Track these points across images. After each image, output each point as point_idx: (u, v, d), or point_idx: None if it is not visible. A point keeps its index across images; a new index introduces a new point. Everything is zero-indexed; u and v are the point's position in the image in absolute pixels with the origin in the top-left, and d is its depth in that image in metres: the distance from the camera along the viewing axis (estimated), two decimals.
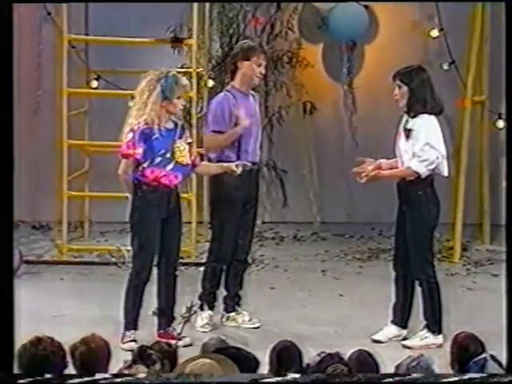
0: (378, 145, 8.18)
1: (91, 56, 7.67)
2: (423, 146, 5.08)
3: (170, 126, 5.08)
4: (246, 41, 5.66)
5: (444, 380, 3.26)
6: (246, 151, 5.41)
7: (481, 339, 3.72)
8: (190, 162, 5.12)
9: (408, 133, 5.09)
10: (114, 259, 6.93)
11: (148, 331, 5.18)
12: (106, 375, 3.20)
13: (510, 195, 3.84)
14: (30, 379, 3.15)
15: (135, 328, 5.11)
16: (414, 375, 3.31)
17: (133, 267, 5.13)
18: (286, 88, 8.05)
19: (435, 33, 7.80)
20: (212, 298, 5.55)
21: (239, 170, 5.17)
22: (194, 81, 7.15)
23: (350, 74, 8.21)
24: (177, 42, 7.46)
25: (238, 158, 5.39)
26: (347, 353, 3.61)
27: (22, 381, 3.15)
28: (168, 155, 5.02)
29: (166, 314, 5.15)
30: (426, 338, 5.17)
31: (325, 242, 7.85)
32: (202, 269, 6.69)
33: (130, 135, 5.00)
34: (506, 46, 3.99)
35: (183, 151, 5.09)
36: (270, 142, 8.27)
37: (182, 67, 7.66)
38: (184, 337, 5.13)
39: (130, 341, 5.07)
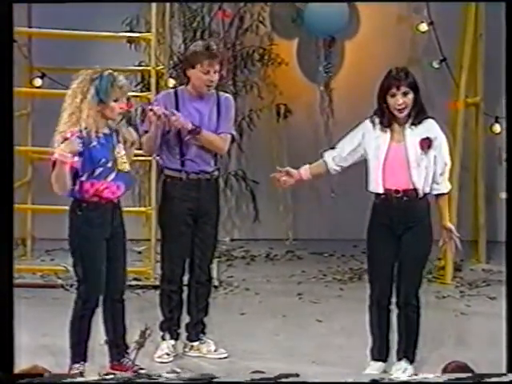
0: None
1: (35, 51, 7.61)
2: (447, 160, 5.05)
3: (107, 131, 5.01)
4: (196, 43, 5.51)
5: (442, 380, 3.25)
6: (190, 159, 5.37)
7: (473, 369, 3.69)
8: (130, 169, 5.06)
9: (429, 143, 4.99)
10: (60, 281, 6.86)
11: (98, 362, 5.11)
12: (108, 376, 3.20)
13: (510, 208, 3.84)
14: (29, 379, 3.26)
15: (84, 360, 5.05)
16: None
17: (78, 296, 5.05)
18: (257, 89, 8.06)
19: (424, 27, 7.84)
20: (173, 325, 5.52)
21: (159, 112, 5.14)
22: (153, 80, 7.11)
23: (327, 73, 8.23)
24: (133, 36, 7.43)
25: (183, 165, 5.38)
26: None
27: (21, 381, 3.25)
28: (109, 164, 4.94)
29: (116, 345, 5.09)
30: (406, 369, 5.16)
31: (301, 261, 7.84)
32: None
33: (64, 143, 4.92)
34: (506, 46, 4.01)
35: (124, 157, 5.03)
36: (240, 149, 8.25)
37: (139, 65, 7.64)
38: (141, 368, 5.07)
39: (79, 374, 5.01)
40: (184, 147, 5.35)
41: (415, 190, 5.01)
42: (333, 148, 5.24)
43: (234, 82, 8.10)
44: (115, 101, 4.92)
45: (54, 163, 4.92)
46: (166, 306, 5.51)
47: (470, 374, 3.36)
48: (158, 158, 5.58)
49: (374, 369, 5.20)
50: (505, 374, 3.40)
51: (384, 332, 5.18)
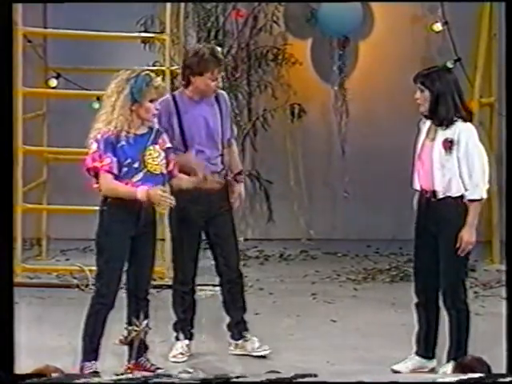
0: (368, 153, 8.20)
1: (50, 52, 7.63)
2: (481, 167, 5.03)
3: (143, 131, 5.02)
4: (198, 48, 5.42)
5: (442, 380, 3.24)
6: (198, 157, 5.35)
7: (488, 363, 3.68)
8: (164, 171, 5.06)
9: (450, 144, 5.01)
10: (75, 281, 6.87)
11: (110, 362, 5.11)
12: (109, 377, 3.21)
13: (510, 211, 3.84)
14: (29, 380, 3.23)
15: (96, 359, 5.06)
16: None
17: (96, 290, 5.07)
18: (271, 88, 8.04)
19: (438, 27, 7.81)
20: (186, 326, 5.52)
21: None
22: (168, 80, 7.12)
23: (341, 73, 8.21)
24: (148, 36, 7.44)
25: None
26: None
27: (21, 381, 3.22)
28: (136, 164, 4.96)
29: (140, 344, 5.09)
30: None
31: (315, 261, 7.82)
32: (201, 294, 6.68)
33: (94, 146, 4.94)
34: (506, 46, 4.00)
35: (156, 158, 5.04)
36: (254, 149, 8.24)
37: (154, 65, 7.64)
38: (158, 368, 5.09)
39: (91, 372, 5.02)
40: (192, 149, 5.33)
41: (435, 190, 5.03)
42: None
43: (249, 81, 8.10)
44: (151, 101, 4.94)
45: (88, 168, 4.93)
46: (180, 307, 5.51)
47: (475, 375, 3.34)
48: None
49: (415, 362, 5.20)
50: (505, 375, 3.38)
51: (432, 330, 5.17)
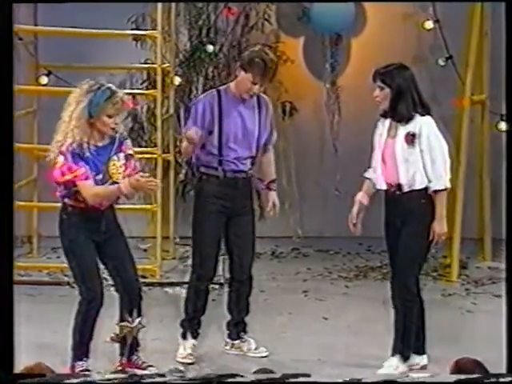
0: (360, 151, 8.18)
1: (41, 49, 7.59)
2: (443, 158, 5.07)
3: (105, 142, 4.95)
4: (260, 49, 5.44)
5: (442, 380, 3.24)
6: (227, 159, 5.37)
7: (486, 366, 3.68)
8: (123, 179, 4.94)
9: (412, 138, 5.06)
10: (66, 278, 6.84)
11: (101, 360, 5.10)
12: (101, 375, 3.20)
13: (510, 207, 3.83)
14: (30, 379, 3.23)
15: (87, 356, 5.04)
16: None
17: (82, 297, 5.05)
18: None
19: (430, 24, 7.81)
20: (195, 325, 5.48)
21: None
22: (159, 78, 7.10)
23: (333, 70, 8.20)
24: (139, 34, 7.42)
25: (220, 164, 5.37)
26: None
27: (22, 381, 3.22)
28: (100, 176, 4.91)
29: (126, 341, 5.07)
30: (398, 367, 5.15)
31: (307, 258, 7.82)
32: (169, 290, 6.65)
33: (61, 159, 4.89)
34: (506, 46, 3.99)
35: (120, 168, 4.97)
36: None
37: (145, 62, 7.63)
38: (150, 366, 5.07)
39: (83, 371, 5.00)
40: (224, 148, 5.34)
41: (400, 184, 5.06)
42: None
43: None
44: (108, 116, 4.88)
45: (58, 182, 4.89)
46: (192, 305, 5.43)
47: (472, 375, 3.34)
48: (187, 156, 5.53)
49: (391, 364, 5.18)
50: (505, 375, 3.38)
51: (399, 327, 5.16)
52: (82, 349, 5.03)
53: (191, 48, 7.90)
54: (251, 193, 5.51)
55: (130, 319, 4.60)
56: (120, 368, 4.74)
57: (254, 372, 3.63)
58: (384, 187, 5.15)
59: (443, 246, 7.44)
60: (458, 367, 3.68)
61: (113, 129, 4.92)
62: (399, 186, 5.09)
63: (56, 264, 7.19)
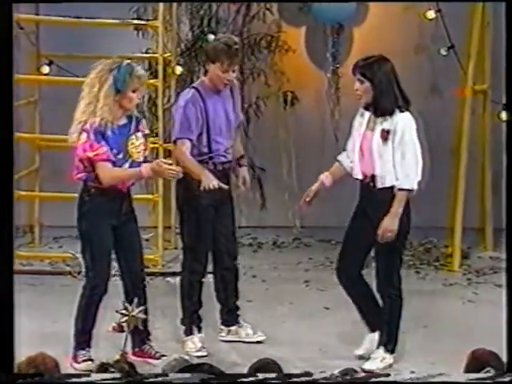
0: None
1: (42, 39, 7.57)
2: (414, 157, 5.02)
3: (124, 121, 4.99)
4: (221, 37, 5.51)
5: (441, 380, 3.25)
6: (217, 153, 5.38)
7: (501, 357, 3.68)
8: (143, 159, 5.03)
9: (386, 134, 5.01)
10: (68, 268, 6.85)
11: (103, 349, 5.10)
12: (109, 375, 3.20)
13: (510, 197, 3.83)
14: (30, 379, 3.23)
15: (89, 346, 5.04)
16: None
17: (87, 281, 5.05)
18: (264, 76, 8.01)
19: (431, 14, 7.78)
20: (197, 319, 5.46)
21: (211, 185, 5.12)
22: (161, 67, 7.08)
23: (335, 60, 8.17)
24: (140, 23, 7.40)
25: (211, 158, 5.38)
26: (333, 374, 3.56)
27: (21, 381, 3.23)
28: (121, 155, 4.95)
29: (138, 331, 5.07)
30: (384, 359, 5.15)
31: (308, 248, 7.81)
32: (170, 280, 6.65)
33: (84, 136, 4.91)
34: (506, 46, 3.99)
35: (138, 147, 5.01)
36: (247, 136, 8.21)
37: (146, 52, 7.61)
38: (163, 355, 5.07)
39: (86, 360, 5.00)
40: (213, 144, 5.35)
41: (374, 177, 5.03)
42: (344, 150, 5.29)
43: (241, 69, 8.05)
44: (133, 91, 4.91)
45: (81, 158, 4.89)
46: (188, 299, 5.42)
47: (475, 375, 3.35)
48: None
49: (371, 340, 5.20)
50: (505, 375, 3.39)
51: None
52: (84, 337, 5.03)
53: (193, 38, 7.88)
54: (230, 184, 5.52)
55: (129, 308, 4.60)
56: (122, 358, 4.70)
57: (254, 363, 3.62)
58: (360, 177, 5.11)
59: (445, 236, 7.47)
60: (475, 358, 3.67)
61: (136, 105, 4.96)
62: (373, 179, 5.06)
63: (57, 254, 7.21)
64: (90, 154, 4.89)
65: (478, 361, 3.65)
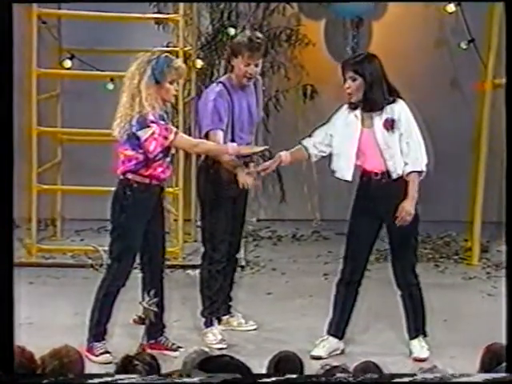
0: None
1: (64, 33, 7.60)
2: (418, 141, 5.08)
3: (162, 113, 5.04)
4: (243, 33, 5.53)
5: (462, 380, 3.26)
6: (238, 145, 5.38)
7: None
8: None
9: (392, 123, 5.05)
10: (90, 261, 6.88)
11: (116, 341, 5.13)
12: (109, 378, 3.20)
13: (509, 194, 3.85)
14: (30, 380, 3.24)
15: (104, 339, 5.07)
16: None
17: (109, 272, 5.08)
18: (284, 69, 8.01)
19: (452, 7, 7.75)
20: (216, 310, 5.48)
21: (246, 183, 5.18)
22: (181, 61, 7.08)
23: (355, 53, 8.15)
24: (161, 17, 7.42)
25: None
26: (352, 365, 3.57)
27: (22, 381, 3.23)
28: (169, 148, 5.04)
29: (154, 323, 5.09)
30: (423, 346, 5.24)
31: (327, 241, 7.81)
32: (190, 272, 6.67)
33: (154, 127, 4.90)
34: (506, 45, 3.97)
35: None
36: (266, 129, 8.22)
37: (167, 46, 7.62)
38: (179, 347, 5.09)
39: (103, 352, 5.03)
40: (236, 138, 5.36)
41: (388, 171, 5.06)
42: (310, 136, 5.32)
43: (262, 62, 8.06)
44: (171, 83, 4.94)
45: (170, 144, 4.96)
46: (209, 289, 5.44)
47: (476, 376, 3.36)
48: None
49: (331, 344, 5.24)
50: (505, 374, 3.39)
51: (347, 310, 5.27)
52: (100, 328, 5.05)
53: (213, 31, 7.88)
54: None
55: (147, 299, 4.62)
56: (149, 350, 4.71)
57: (275, 356, 3.62)
58: (349, 178, 5.16)
59: (464, 230, 7.45)
60: (490, 352, 3.68)
61: (174, 96, 5.00)
62: (388, 173, 5.08)
63: (79, 246, 7.24)
64: (171, 136, 4.91)
65: (493, 355, 3.66)
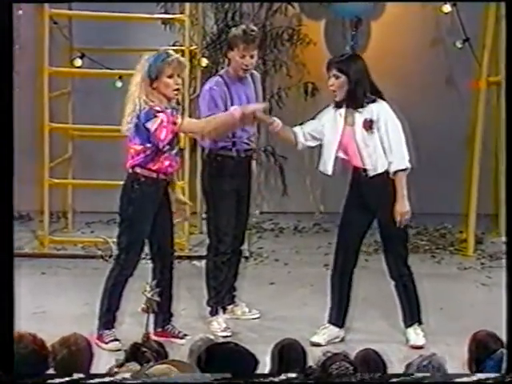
0: None
1: (75, 33, 7.61)
2: (400, 140, 5.07)
3: (168, 109, 5.03)
4: (237, 27, 5.53)
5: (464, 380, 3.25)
6: (240, 140, 5.40)
7: (501, 338, 3.68)
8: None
9: (370, 124, 5.04)
10: (100, 252, 6.89)
11: (125, 329, 5.13)
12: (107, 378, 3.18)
13: (509, 185, 3.85)
14: (30, 379, 3.21)
15: (113, 326, 5.07)
16: (423, 374, 3.28)
17: (117, 263, 5.09)
18: (285, 68, 8.00)
19: (447, 8, 7.74)
20: (221, 300, 5.49)
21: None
22: (187, 59, 7.08)
23: (354, 52, 8.15)
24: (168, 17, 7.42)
25: (234, 145, 5.39)
26: (353, 352, 3.57)
27: (21, 381, 3.21)
28: (175, 140, 5.01)
29: (162, 311, 5.09)
30: (419, 334, 5.24)
31: (328, 233, 7.79)
32: (196, 263, 6.68)
33: (161, 116, 4.89)
34: (506, 45, 3.96)
35: (180, 134, 5.10)
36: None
37: (173, 45, 7.61)
38: (186, 335, 5.09)
39: (113, 340, 5.04)
40: (237, 130, 5.35)
41: (365, 169, 5.06)
42: (301, 125, 5.32)
43: (264, 61, 8.06)
44: (169, 77, 4.92)
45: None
46: (214, 280, 5.44)
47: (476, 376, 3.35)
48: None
49: (332, 332, 5.24)
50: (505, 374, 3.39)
51: (344, 299, 5.29)
52: (109, 316, 5.05)
53: (217, 31, 7.88)
54: (251, 171, 5.57)
55: (148, 289, 4.62)
56: (155, 338, 4.69)
57: (278, 343, 3.62)
58: (329, 172, 5.18)
59: (460, 222, 7.44)
60: (477, 340, 3.68)
61: (177, 90, 4.96)
62: (365, 171, 5.09)
63: (90, 238, 7.25)
64: (179, 120, 4.93)
65: (478, 343, 3.66)
